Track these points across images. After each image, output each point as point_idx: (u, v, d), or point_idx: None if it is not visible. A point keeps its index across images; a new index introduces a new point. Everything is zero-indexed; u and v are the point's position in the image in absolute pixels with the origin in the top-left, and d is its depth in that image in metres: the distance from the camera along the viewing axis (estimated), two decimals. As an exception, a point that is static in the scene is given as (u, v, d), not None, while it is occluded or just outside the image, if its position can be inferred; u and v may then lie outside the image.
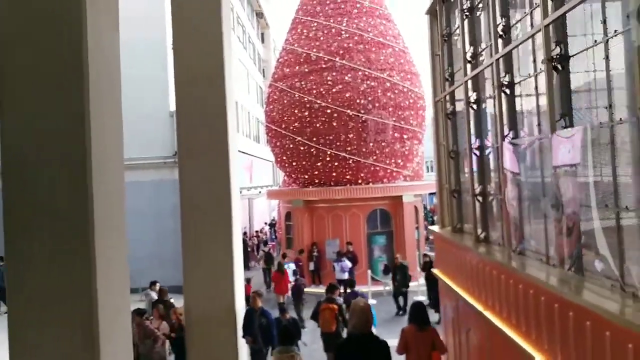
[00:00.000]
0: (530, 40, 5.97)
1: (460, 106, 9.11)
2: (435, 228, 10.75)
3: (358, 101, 20.50)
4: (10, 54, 4.77)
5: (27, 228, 4.76)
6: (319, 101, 20.63)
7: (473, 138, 8.13)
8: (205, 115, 9.91)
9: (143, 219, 19.49)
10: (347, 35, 21.32)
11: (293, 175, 22.74)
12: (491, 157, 7.67)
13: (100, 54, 4.95)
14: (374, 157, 20.89)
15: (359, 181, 21.19)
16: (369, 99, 20.57)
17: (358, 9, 21.87)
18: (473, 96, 7.98)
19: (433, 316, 11.95)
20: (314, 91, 20.81)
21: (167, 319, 11.14)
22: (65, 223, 4.72)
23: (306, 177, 21.82)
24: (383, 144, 20.86)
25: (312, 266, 20.86)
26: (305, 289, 17.61)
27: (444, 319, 10.08)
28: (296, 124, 21.13)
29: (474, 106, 8.02)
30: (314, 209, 21.76)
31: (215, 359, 9.62)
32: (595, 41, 4.44)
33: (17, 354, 4.75)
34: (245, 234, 27.79)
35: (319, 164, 21.04)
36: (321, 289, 15.69)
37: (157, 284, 14.15)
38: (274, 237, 33.66)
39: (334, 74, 20.84)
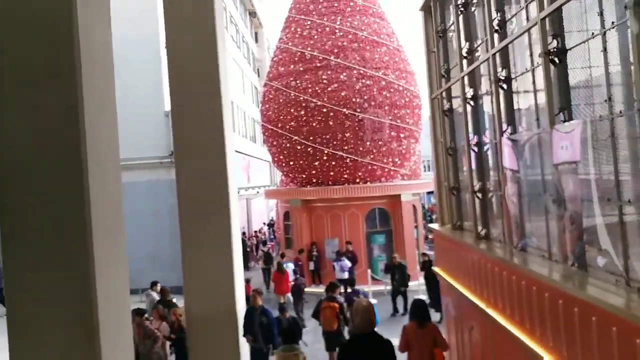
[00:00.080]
0: (526, 34, 5.92)
1: (457, 103, 9.06)
2: (435, 226, 10.71)
3: (354, 100, 20.44)
4: (-1, 54, 4.70)
5: (24, 231, 4.69)
6: (314, 100, 20.58)
7: (471, 134, 8.09)
8: (201, 115, 9.85)
9: (140, 220, 19.42)
10: (341, 34, 21.26)
11: (290, 175, 22.69)
12: (490, 153, 7.63)
13: (93, 54, 4.88)
14: (371, 156, 20.84)
15: (357, 180, 21.13)
16: (365, 97, 20.51)
17: (351, 7, 21.81)
18: (470, 92, 7.93)
19: (434, 316, 11.91)
20: (310, 90, 20.74)
21: (167, 319, 11.08)
22: (63, 225, 4.65)
23: (304, 176, 21.76)
24: (380, 142, 20.80)
25: (311, 266, 20.78)
26: (306, 289, 17.60)
27: (446, 317, 10.03)
28: (292, 123, 21.07)
29: (471, 102, 7.97)
30: (313, 209, 21.70)
31: (217, 358, 9.58)
32: (593, 33, 4.40)
33: (17, 356, 4.69)
34: (244, 234, 27.74)
35: (316, 163, 20.98)
36: (321, 289, 15.64)
37: (158, 284, 14.10)
38: (272, 237, 33.59)
39: (329, 72, 20.77)
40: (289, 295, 16.63)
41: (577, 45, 4.71)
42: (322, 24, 21.56)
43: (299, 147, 21.06)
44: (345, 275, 17.99)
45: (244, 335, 10.03)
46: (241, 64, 36.60)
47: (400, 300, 16.48)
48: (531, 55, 5.78)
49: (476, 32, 7.97)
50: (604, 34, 4.17)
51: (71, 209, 4.65)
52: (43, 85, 4.68)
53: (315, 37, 21.43)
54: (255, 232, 33.73)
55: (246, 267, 20.88)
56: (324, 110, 20.44)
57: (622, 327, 3.78)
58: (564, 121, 4.92)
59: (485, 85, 7.71)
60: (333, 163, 20.76)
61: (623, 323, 3.77)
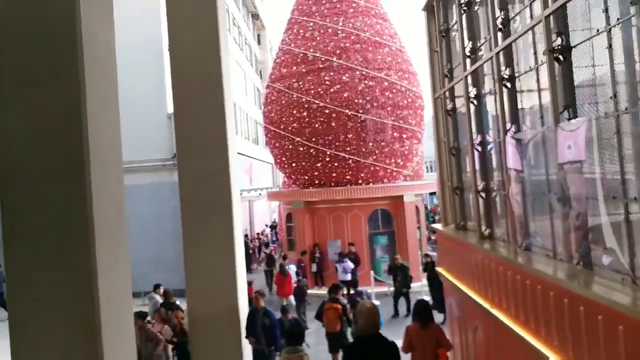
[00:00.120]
0: (530, 32, 5.89)
1: (460, 102, 9.03)
2: (438, 226, 10.67)
3: (356, 101, 20.42)
4: (1, 56, 4.69)
5: (25, 231, 4.67)
6: (317, 101, 20.56)
7: (474, 134, 8.05)
8: (204, 116, 9.83)
9: (143, 222, 19.42)
10: (343, 35, 21.25)
11: (293, 177, 22.67)
12: (493, 152, 7.60)
13: (95, 53, 4.86)
14: (374, 157, 20.81)
15: (359, 181, 21.10)
16: (367, 98, 20.50)
17: (354, 9, 21.81)
18: (473, 91, 7.90)
19: (437, 317, 11.88)
20: (312, 91, 20.73)
21: (169, 322, 11.05)
22: (64, 225, 4.63)
23: (306, 178, 21.74)
24: (382, 143, 20.78)
25: (314, 267, 20.76)
26: (308, 291, 17.58)
27: (449, 317, 9.99)
28: (295, 125, 21.05)
29: (475, 101, 7.94)
30: (315, 210, 21.68)
31: (219, 360, 9.56)
32: (598, 30, 4.37)
33: (18, 357, 4.67)
34: (246, 236, 27.72)
35: (318, 164, 20.96)
36: (324, 291, 15.62)
37: (161, 287, 14.08)
38: (275, 239, 33.56)
39: (331, 73, 20.76)
40: (292, 297, 16.59)
41: (581, 43, 4.68)
42: (324, 25, 21.56)
43: (301, 149, 21.05)
44: (348, 276, 17.94)
45: (247, 337, 9.99)
46: (244, 66, 36.62)
47: (402, 301, 16.41)
48: (535, 53, 5.75)
49: (479, 31, 7.95)
50: (609, 30, 4.14)
51: (73, 209, 4.62)
52: (45, 85, 4.66)
53: (318, 38, 21.43)
54: (258, 234, 33.68)
55: (248, 269, 20.85)
56: (327, 111, 20.43)
57: (629, 325, 3.75)
58: (569, 119, 4.89)
59: (488, 84, 7.68)
60: (335, 164, 20.74)
61: (630, 321, 3.74)
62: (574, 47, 4.81)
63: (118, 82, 5.45)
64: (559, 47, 4.88)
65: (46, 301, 4.64)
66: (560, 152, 4.95)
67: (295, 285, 16.72)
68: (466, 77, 8.08)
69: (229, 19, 30.17)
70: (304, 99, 20.80)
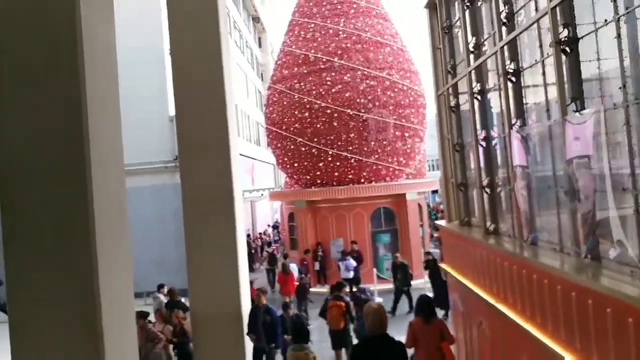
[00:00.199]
0: (535, 26, 5.86)
1: (463, 99, 9.00)
2: (442, 222, 10.64)
3: (358, 100, 20.40)
4: (1, 56, 4.66)
5: (26, 232, 4.64)
6: (318, 102, 20.54)
7: (478, 129, 8.02)
8: (205, 119, 9.84)
9: (145, 224, 19.42)
10: (344, 36, 21.24)
11: (295, 177, 22.65)
12: (498, 147, 7.56)
13: (96, 54, 4.84)
14: (376, 156, 20.79)
15: (362, 180, 21.08)
16: (369, 98, 20.48)
17: (355, 9, 21.80)
18: (477, 87, 7.87)
19: (438, 313, 11.88)
20: (314, 92, 20.72)
21: (170, 322, 11.02)
22: (65, 226, 4.60)
23: (308, 177, 21.72)
24: (384, 142, 20.76)
25: (317, 266, 20.82)
26: (311, 289, 17.65)
27: (454, 313, 9.96)
28: (296, 125, 21.04)
29: (479, 97, 7.91)
30: (317, 209, 21.66)
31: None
32: (606, 20, 4.34)
33: (18, 358, 4.64)
34: (248, 236, 27.75)
35: (320, 164, 20.94)
36: (326, 289, 15.64)
37: (165, 287, 14.07)
38: (277, 238, 33.61)
39: (332, 74, 20.75)
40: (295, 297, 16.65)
41: (589, 34, 4.64)
42: (325, 26, 21.56)
43: (303, 149, 21.03)
44: (351, 274, 18.08)
45: (248, 334, 10.01)
46: (245, 68, 36.63)
47: (404, 299, 16.46)
48: (541, 46, 5.72)
49: (482, 27, 7.92)
50: (618, 20, 4.11)
51: (74, 209, 4.59)
52: (45, 85, 4.63)
53: (319, 39, 21.42)
54: (260, 233, 33.77)
55: (251, 269, 20.89)
56: (328, 111, 20.42)
57: (639, 317, 3.71)
58: (576, 111, 4.85)
59: (492, 80, 7.65)
60: (337, 163, 20.73)
61: (639, 314, 3.70)
62: (581, 38, 4.78)
63: (120, 84, 5.42)
64: (566, 38, 4.85)
65: (47, 302, 4.61)
66: (567, 145, 4.92)
67: (297, 283, 16.79)
68: (470, 72, 8.05)
69: (230, 22, 30.19)
70: (305, 100, 20.79)
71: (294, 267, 18.24)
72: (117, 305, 4.90)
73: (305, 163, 21.29)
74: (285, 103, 21.48)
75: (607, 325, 4.10)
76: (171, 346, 10.80)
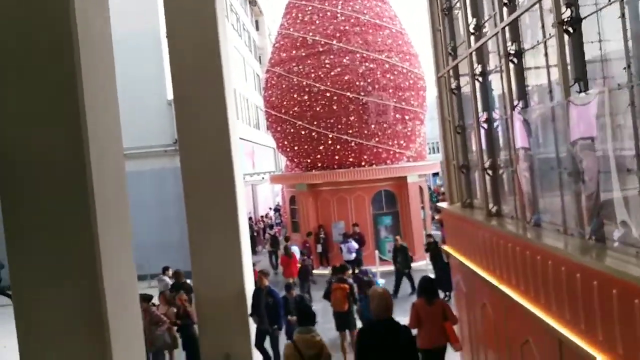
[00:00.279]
0: (537, 6, 5.79)
1: (464, 81, 8.94)
2: (444, 205, 10.64)
3: (357, 83, 20.31)
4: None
5: (27, 223, 4.65)
6: (317, 85, 20.45)
7: (480, 111, 7.98)
8: (204, 103, 9.82)
9: (146, 208, 19.48)
10: (342, 18, 21.08)
11: (295, 160, 22.63)
12: (500, 129, 7.53)
13: (91, 40, 4.80)
14: (376, 139, 20.76)
15: (362, 163, 21.08)
16: (369, 80, 20.39)
17: (353, -9, 21.60)
18: (478, 68, 7.81)
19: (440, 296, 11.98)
20: (313, 75, 20.62)
21: (174, 304, 11.08)
22: (67, 215, 4.61)
23: (309, 161, 21.71)
24: (385, 125, 20.72)
25: (319, 248, 20.95)
26: (314, 271, 17.75)
27: (457, 295, 10.00)
28: (296, 109, 20.96)
29: (480, 79, 7.86)
30: (319, 193, 21.69)
31: (227, 343, 9.63)
32: (610, 0, 4.29)
33: (25, 344, 4.67)
34: (250, 219, 27.86)
35: (320, 147, 20.91)
36: (329, 271, 15.73)
37: (170, 269, 14.15)
38: (279, 221, 33.74)
39: (331, 57, 20.63)
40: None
41: (592, 14, 4.59)
42: (323, 8, 21.38)
43: (303, 132, 20.98)
44: (353, 256, 18.17)
45: (251, 315, 10.09)
46: (243, 52, 36.41)
47: (405, 281, 16.58)
48: (543, 27, 5.66)
49: (483, 8, 7.85)
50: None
51: (74, 195, 4.60)
52: (41, 71, 4.60)
53: (317, 21, 21.25)
54: (262, 217, 33.92)
55: (253, 252, 20.99)
56: (328, 94, 20.33)
57: (645, 298, 3.71)
58: (579, 92, 4.82)
59: (493, 61, 7.60)
60: (338, 147, 20.70)
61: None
62: (584, 18, 4.73)
63: (117, 69, 5.39)
64: (569, 18, 4.80)
65: (49, 286, 4.63)
66: (571, 127, 4.89)
67: (300, 265, 16.88)
68: (471, 54, 7.99)
69: (226, 5, 29.94)
70: (304, 83, 20.69)
71: (295, 250, 18.41)
72: (120, 289, 4.93)
73: (306, 146, 21.26)
74: (284, 86, 21.38)
75: (613, 307, 4.11)
76: (175, 328, 10.86)
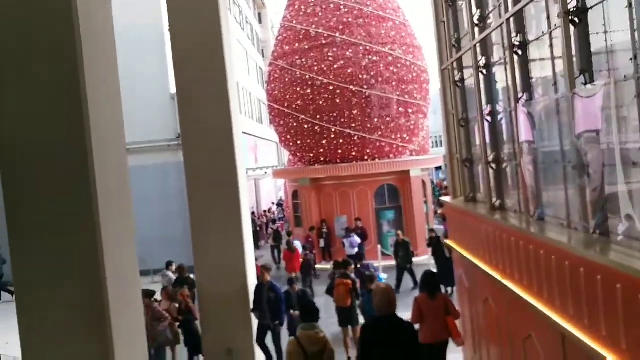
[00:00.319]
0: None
1: (468, 73, 8.87)
2: (447, 199, 10.59)
3: (360, 76, 20.23)
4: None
5: (30, 217, 4.62)
6: (320, 78, 20.37)
7: (484, 104, 7.91)
8: (207, 97, 9.78)
9: (149, 203, 19.51)
10: (346, 10, 20.98)
11: (298, 154, 22.59)
12: (504, 122, 7.46)
13: (93, 34, 4.77)
14: (379, 133, 20.69)
15: (365, 157, 21.02)
16: (372, 74, 20.31)
17: (355, -17, 21.49)
18: (482, 60, 7.74)
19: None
20: (316, 68, 20.54)
21: (176, 300, 11.07)
22: (70, 210, 4.58)
23: (311, 155, 21.66)
24: (388, 119, 20.65)
25: (322, 243, 20.92)
26: (317, 266, 17.73)
27: (459, 289, 9.96)
28: (299, 102, 20.90)
29: (484, 71, 7.78)
30: (321, 187, 21.65)
31: (229, 338, 9.62)
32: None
33: (27, 340, 4.65)
34: (253, 214, 27.87)
35: (323, 141, 20.86)
36: (331, 265, 15.75)
37: (174, 264, 14.15)
38: (282, 216, 33.77)
39: (334, 49, 20.54)
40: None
41: (598, 4, 4.52)
42: (326, 0, 21.27)
43: (306, 126, 20.92)
44: (355, 251, 18.16)
45: (252, 311, 10.06)
46: (245, 45, 36.31)
47: (407, 276, 16.54)
48: (548, 17, 5.59)
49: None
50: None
51: (77, 189, 4.58)
52: (44, 66, 4.57)
53: (320, 14, 21.15)
54: (265, 211, 33.93)
55: (256, 246, 20.99)
56: (331, 88, 20.26)
57: (650, 292, 3.66)
58: (585, 84, 4.75)
59: (497, 53, 7.53)
60: (341, 141, 20.65)
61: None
62: (590, 8, 4.66)
63: (119, 63, 5.35)
64: (575, 9, 4.73)
65: (51, 281, 4.60)
66: (576, 119, 4.83)
67: (302, 260, 16.88)
68: (475, 46, 7.92)
69: (229, -3, 29.85)
70: (307, 76, 20.62)
71: (298, 244, 18.38)
72: (123, 284, 4.90)
73: (309, 140, 21.20)
74: (287, 80, 21.32)
75: (617, 302, 4.05)
76: (177, 324, 10.85)
